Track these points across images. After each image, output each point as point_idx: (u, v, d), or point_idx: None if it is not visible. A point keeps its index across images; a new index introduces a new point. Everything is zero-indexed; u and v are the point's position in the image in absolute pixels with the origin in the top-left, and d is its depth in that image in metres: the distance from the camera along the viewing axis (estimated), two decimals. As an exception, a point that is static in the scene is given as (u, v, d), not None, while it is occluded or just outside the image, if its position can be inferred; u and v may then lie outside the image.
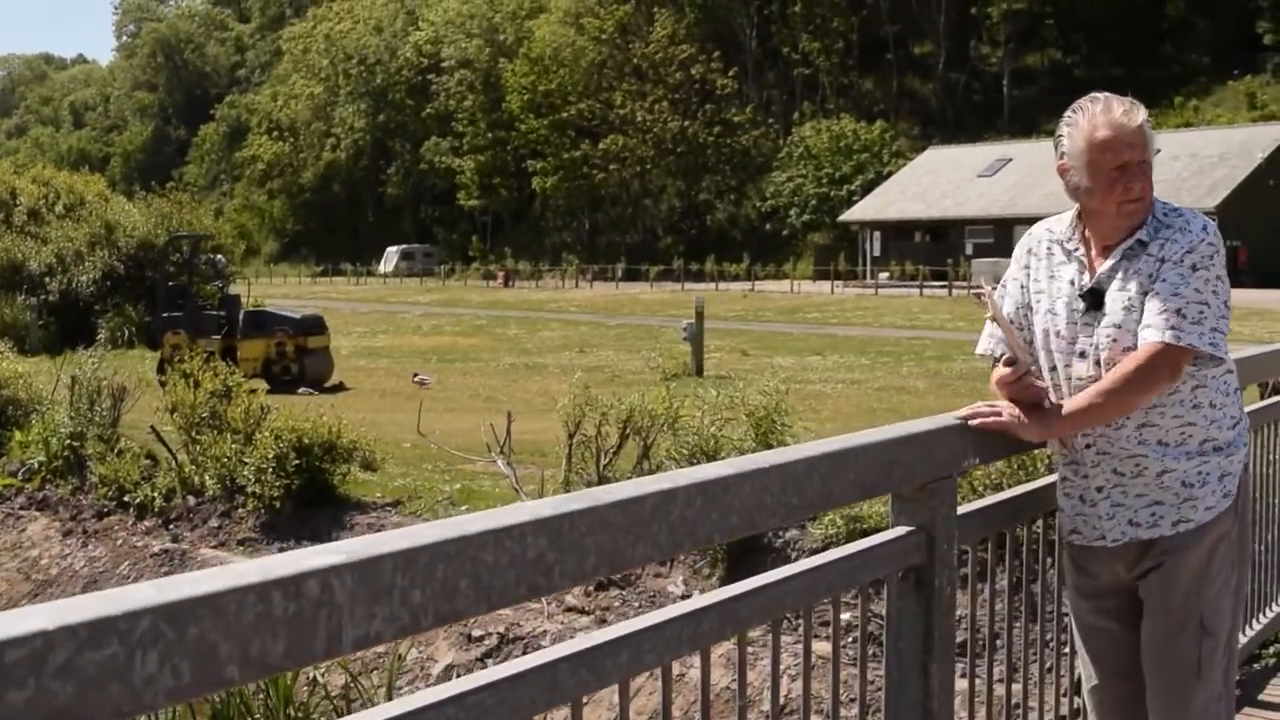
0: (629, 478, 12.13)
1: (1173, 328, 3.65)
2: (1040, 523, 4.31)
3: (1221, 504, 3.83)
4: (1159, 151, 57.18)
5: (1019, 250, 4.12)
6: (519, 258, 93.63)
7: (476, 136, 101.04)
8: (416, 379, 27.16)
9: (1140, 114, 3.83)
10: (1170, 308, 3.67)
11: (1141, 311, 3.71)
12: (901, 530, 3.40)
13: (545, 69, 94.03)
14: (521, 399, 24.14)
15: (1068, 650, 4.45)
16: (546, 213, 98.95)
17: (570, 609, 11.14)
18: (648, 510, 2.44)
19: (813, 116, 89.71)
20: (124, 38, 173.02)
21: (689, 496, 2.56)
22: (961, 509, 3.73)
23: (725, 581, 10.76)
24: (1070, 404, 3.77)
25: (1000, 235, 65.49)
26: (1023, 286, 4.03)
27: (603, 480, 12.09)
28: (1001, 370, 3.82)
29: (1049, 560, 4.34)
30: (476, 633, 11.03)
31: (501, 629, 11.00)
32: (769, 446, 11.23)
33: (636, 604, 11.05)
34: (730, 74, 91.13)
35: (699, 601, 2.85)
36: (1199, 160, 62.26)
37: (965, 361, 29.86)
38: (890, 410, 21.34)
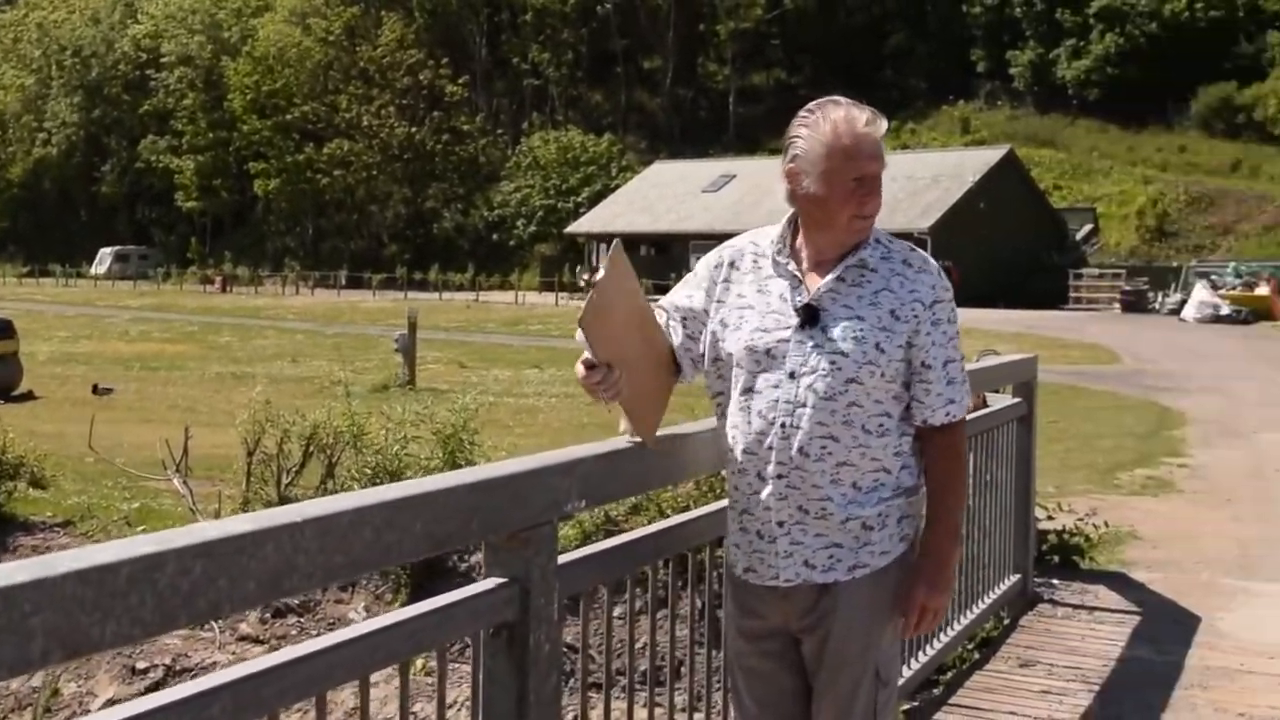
0: (312, 498, 11.60)
1: (960, 400, 3.62)
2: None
3: (898, 548, 3.57)
4: (876, 171, 59.15)
5: (708, 262, 3.77)
6: (239, 262, 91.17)
7: (197, 136, 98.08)
8: (98, 388, 25.71)
9: (882, 125, 3.60)
10: (955, 378, 3.58)
11: (875, 347, 3.46)
12: (492, 583, 3.04)
13: (269, 69, 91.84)
14: (224, 410, 23.15)
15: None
16: (269, 217, 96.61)
17: (244, 638, 10.55)
18: (123, 580, 2.03)
19: (542, 127, 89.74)
20: None
21: (184, 562, 2.15)
22: (581, 552, 3.43)
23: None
24: (939, 533, 3.64)
25: (723, 250, 66.40)
26: (718, 301, 3.64)
27: (283, 501, 11.52)
28: (587, 372, 3.50)
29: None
30: (141, 664, 10.34)
31: (168, 660, 10.34)
32: (456, 466, 10.83)
33: (315, 631, 10.52)
34: (459, 81, 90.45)
35: (266, 661, 2.47)
36: (914, 182, 64.08)
37: (680, 375, 29.92)
38: (599, 425, 21.10)
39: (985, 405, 7.06)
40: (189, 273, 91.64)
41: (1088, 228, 68.51)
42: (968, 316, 34.92)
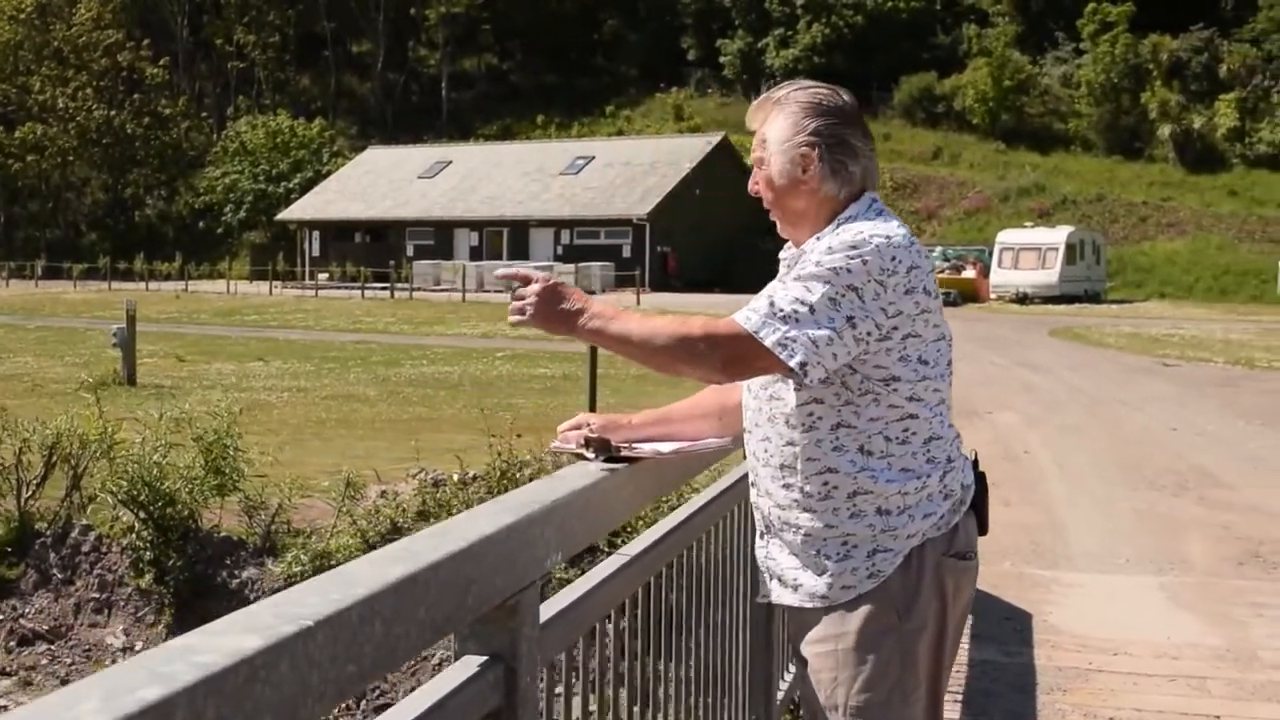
0: (56, 513, 10.64)
1: (754, 315, 3.01)
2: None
3: (864, 584, 3.12)
4: (593, 160, 59.02)
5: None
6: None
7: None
8: None
9: (757, 104, 3.29)
10: (773, 302, 3.02)
11: None
12: (473, 665, 2.46)
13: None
14: (-76, 414, 21.58)
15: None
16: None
17: (-14, 671, 9.57)
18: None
19: (249, 111, 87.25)
20: None
21: (194, 706, 1.54)
22: (554, 606, 2.88)
23: (172, 629, 9.51)
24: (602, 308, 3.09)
25: (440, 237, 65.62)
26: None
27: (24, 516, 10.52)
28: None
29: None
30: None
31: (-101, 701, 9.29)
32: (221, 475, 10.06)
33: (69, 659, 9.61)
34: (160, 64, 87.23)
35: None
36: (631, 168, 64.38)
37: (414, 367, 29.25)
38: (340, 421, 20.35)
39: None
40: None
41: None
42: (685, 301, 35.46)
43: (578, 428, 3.19)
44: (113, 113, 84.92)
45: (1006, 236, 56.15)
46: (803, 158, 3.15)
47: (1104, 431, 17.81)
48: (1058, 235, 54.80)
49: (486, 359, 30.60)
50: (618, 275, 57.44)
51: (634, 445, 3.20)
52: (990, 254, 56.15)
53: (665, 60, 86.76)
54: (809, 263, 3.02)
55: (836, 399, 3.10)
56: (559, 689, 2.95)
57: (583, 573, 3.29)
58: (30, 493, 10.64)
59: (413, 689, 2.50)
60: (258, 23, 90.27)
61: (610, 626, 3.32)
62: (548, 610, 2.89)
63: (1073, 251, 54.47)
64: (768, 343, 2.94)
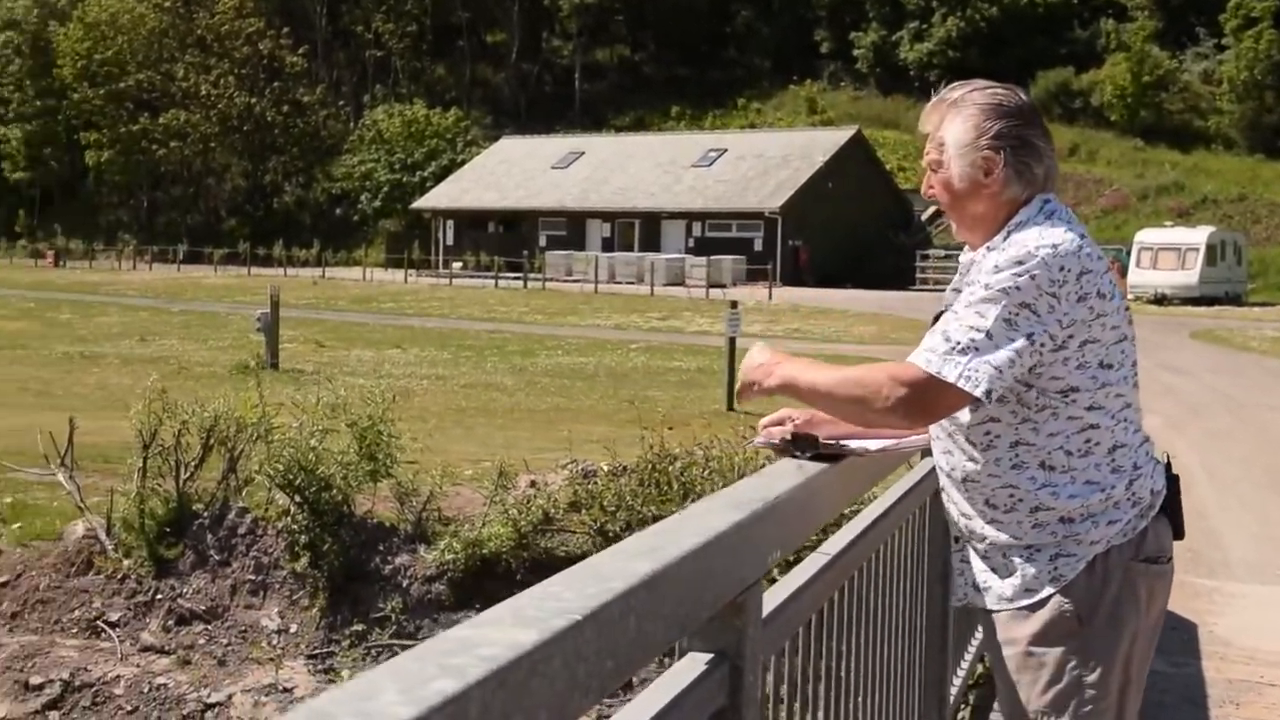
0: (214, 494, 10.85)
1: (932, 352, 3.00)
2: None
3: (1046, 588, 3.10)
4: (725, 152, 58.78)
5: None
6: (70, 236, 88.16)
7: (24, 104, 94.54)
8: None
9: (930, 106, 3.30)
10: (949, 334, 3.01)
11: None
12: (700, 664, 2.47)
13: (102, 35, 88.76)
14: (78, 394, 22.15)
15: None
16: (101, 189, 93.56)
17: (147, 649, 9.79)
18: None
19: (385, 100, 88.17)
20: None
21: (485, 699, 1.57)
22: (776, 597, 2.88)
23: (326, 613, 9.66)
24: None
25: (573, 228, 65.91)
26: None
27: (182, 497, 10.75)
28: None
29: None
30: (35, 679, 9.53)
31: (66, 675, 9.54)
32: (374, 461, 10.19)
33: (225, 640, 9.80)
34: (300, 52, 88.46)
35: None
36: (764, 161, 64.14)
37: (549, 357, 29.41)
38: (480, 409, 20.55)
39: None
40: (17, 246, 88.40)
41: (932, 209, 69.25)
42: (818, 296, 35.26)
43: (780, 423, 3.18)
44: (253, 100, 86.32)
45: (1145, 236, 55.12)
46: (985, 161, 3.11)
47: (1251, 436, 17.46)
48: (1198, 235, 53.65)
49: (621, 350, 30.68)
50: (749, 269, 57.27)
51: (840, 442, 3.19)
52: (1128, 253, 55.13)
53: (798, 52, 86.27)
54: (977, 286, 2.99)
55: (1013, 416, 3.08)
56: (768, 689, 2.96)
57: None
58: (188, 474, 10.86)
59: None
60: (395, 12, 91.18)
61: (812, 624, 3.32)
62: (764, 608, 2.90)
63: (1213, 252, 53.30)
64: (950, 379, 2.93)
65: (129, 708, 9.16)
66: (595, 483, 9.83)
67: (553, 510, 9.57)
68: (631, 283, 56.66)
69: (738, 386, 3.20)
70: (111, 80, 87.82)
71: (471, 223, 69.86)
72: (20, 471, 13.53)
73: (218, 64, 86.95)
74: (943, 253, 62.61)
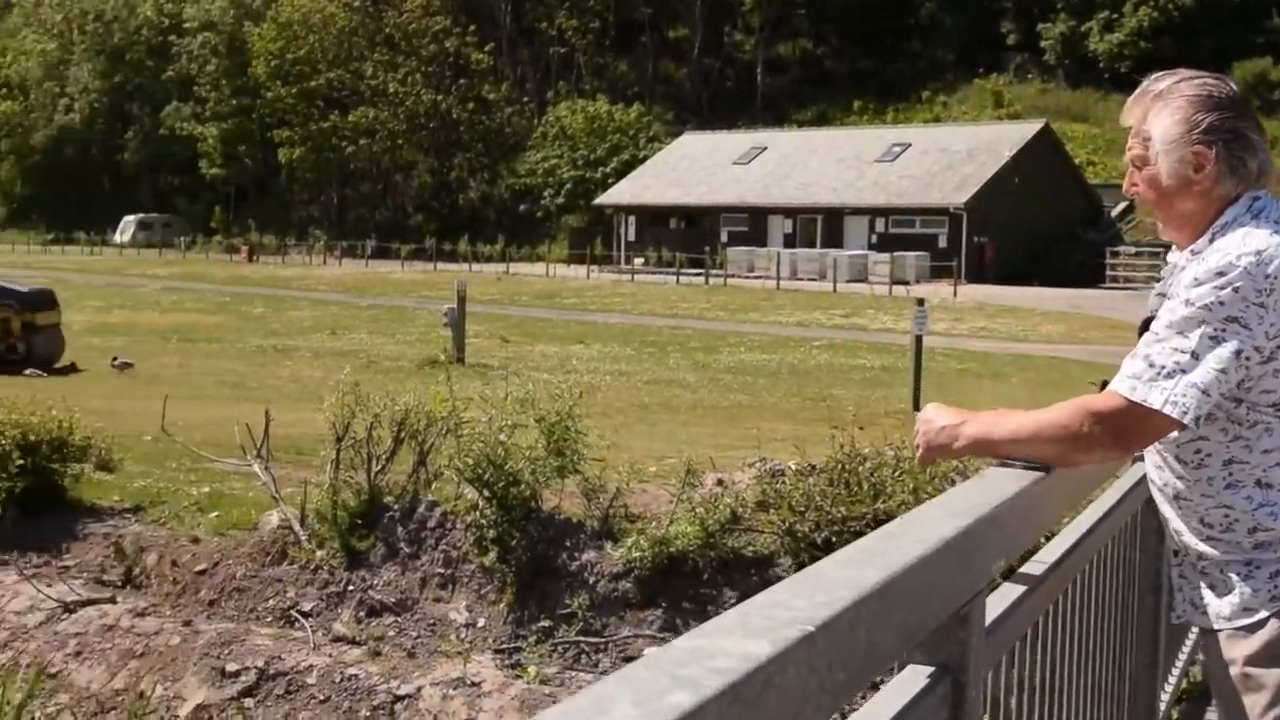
0: (404, 487, 10.98)
1: (1134, 378, 2.85)
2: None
3: (1266, 606, 2.96)
4: (909, 147, 58.09)
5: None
6: (263, 232, 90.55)
7: (220, 103, 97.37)
8: (116, 363, 24.90)
9: (1135, 97, 3.12)
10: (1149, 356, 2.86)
11: None
12: (921, 676, 2.38)
13: (294, 35, 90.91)
14: (272, 386, 22.69)
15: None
16: (293, 185, 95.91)
17: (339, 639, 9.94)
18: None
19: (568, 96, 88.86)
20: None
21: (722, 712, 1.51)
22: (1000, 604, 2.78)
23: (513, 608, 9.72)
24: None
25: (754, 224, 65.74)
26: None
27: (374, 489, 10.90)
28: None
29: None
30: (232, 666, 9.74)
31: (261, 663, 9.73)
32: (562, 456, 10.22)
33: (415, 633, 9.92)
34: (485, 49, 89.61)
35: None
36: (949, 155, 63.30)
37: (731, 354, 29.36)
38: (663, 405, 20.57)
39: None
40: (213, 242, 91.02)
41: (1123, 204, 67.66)
42: (1003, 293, 34.61)
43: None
44: (439, 97, 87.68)
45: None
46: (1196, 156, 2.94)
47: None
48: None
49: (803, 348, 30.51)
50: (933, 266, 56.58)
51: None
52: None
53: (983, 44, 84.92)
54: (1178, 302, 2.83)
55: (1224, 434, 2.94)
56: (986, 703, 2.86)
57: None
58: (380, 467, 11.01)
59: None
60: (578, 8, 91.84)
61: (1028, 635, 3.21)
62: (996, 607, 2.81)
63: None
64: (1155, 405, 2.78)
65: (321, 697, 9.31)
66: (783, 482, 9.73)
67: (740, 509, 9.51)
68: (813, 279, 56.31)
69: (918, 453, 3.07)
70: (303, 79, 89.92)
71: (653, 219, 70.08)
72: (218, 462, 13.86)
73: (405, 62, 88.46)
74: (1133, 250, 61.18)
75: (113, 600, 11.23)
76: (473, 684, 9.10)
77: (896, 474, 9.06)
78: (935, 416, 2.97)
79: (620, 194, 71.87)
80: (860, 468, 9.14)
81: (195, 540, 11.67)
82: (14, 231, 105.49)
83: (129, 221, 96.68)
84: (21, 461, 12.37)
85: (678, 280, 57.14)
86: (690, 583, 9.41)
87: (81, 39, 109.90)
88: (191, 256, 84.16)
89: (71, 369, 24.59)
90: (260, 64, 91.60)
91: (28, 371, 22.92)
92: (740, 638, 1.69)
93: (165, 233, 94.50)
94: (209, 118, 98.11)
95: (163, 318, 39.18)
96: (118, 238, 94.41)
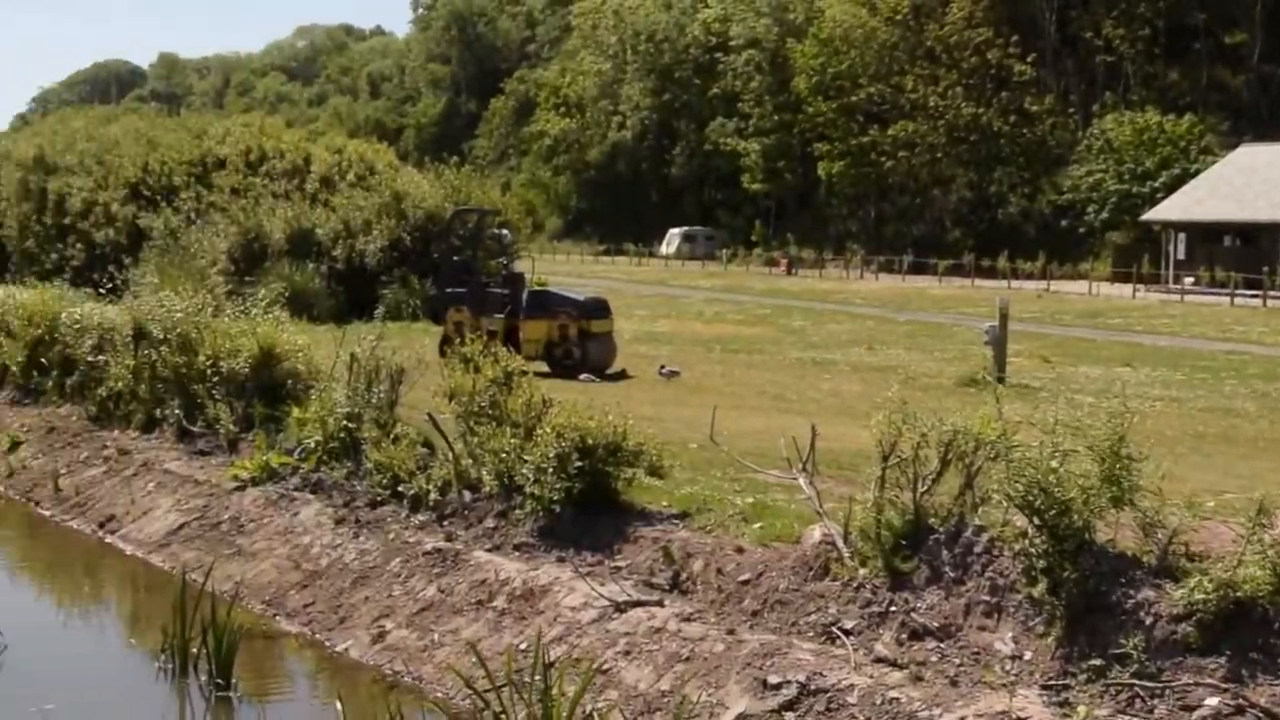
0: (950, 510, 10.75)
1: None
2: None
3: None
4: None
5: None
6: (802, 245, 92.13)
7: (762, 119, 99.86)
8: (663, 371, 25.60)
9: None
10: None
11: None
12: None
13: (835, 50, 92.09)
14: (812, 399, 22.88)
15: None
16: (831, 199, 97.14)
17: (880, 660, 9.82)
18: None
19: (1114, 108, 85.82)
20: (420, 10, 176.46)
21: None
22: None
23: (1062, 643, 9.32)
24: None
25: (1318, 242, 61.49)
26: None
27: (919, 510, 10.72)
28: None
29: None
30: (773, 679, 9.79)
31: (802, 677, 9.73)
32: (1118, 486, 9.71)
33: (958, 660, 9.68)
34: (1028, 60, 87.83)
35: None
36: None
37: (1296, 381, 27.43)
38: (1220, 436, 19.44)
39: None
40: (753, 254, 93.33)
41: None
42: None
43: None
44: (980, 110, 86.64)
45: None
46: None
47: None
48: None
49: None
50: None
51: None
52: None
53: None
54: None
55: None
56: None
57: None
58: (925, 488, 10.81)
59: None
60: (1127, 15, 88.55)
61: None
62: None
63: None
64: None
65: (861, 718, 9.22)
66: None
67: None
68: None
69: None
70: (843, 94, 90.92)
71: (1205, 235, 66.63)
72: (761, 473, 14.04)
73: (946, 74, 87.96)
74: None
75: (660, 603, 11.54)
76: (1018, 719, 8.78)
77: None
78: None
79: (1170, 209, 68.73)
80: None
81: (740, 550, 11.83)
82: (569, 242, 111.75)
83: (674, 234, 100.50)
84: (580, 463, 12.99)
85: (1232, 301, 54.12)
86: (1259, 631, 8.74)
87: (634, 59, 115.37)
88: (733, 269, 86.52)
89: (623, 375, 25.60)
90: (802, 80, 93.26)
91: (582, 376, 24.04)
92: None
93: (708, 245, 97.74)
94: (751, 133, 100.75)
95: (705, 328, 40.36)
96: (663, 249, 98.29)
